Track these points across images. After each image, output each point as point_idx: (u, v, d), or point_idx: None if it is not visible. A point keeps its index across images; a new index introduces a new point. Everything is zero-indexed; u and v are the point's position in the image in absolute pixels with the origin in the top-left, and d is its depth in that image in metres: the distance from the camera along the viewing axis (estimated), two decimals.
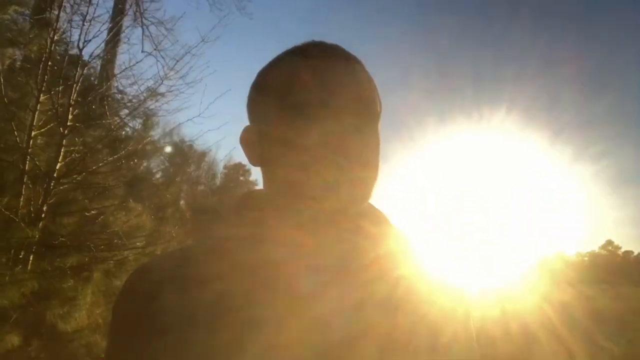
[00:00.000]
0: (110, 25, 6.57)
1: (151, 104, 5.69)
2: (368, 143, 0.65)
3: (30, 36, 5.61)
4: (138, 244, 5.53)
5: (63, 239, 4.75)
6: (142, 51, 8.88)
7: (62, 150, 4.86)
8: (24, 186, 4.74)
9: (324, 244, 0.64)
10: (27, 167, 4.79)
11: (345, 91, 0.63)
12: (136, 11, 10.55)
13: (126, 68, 5.76)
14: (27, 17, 6.40)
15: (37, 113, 4.98)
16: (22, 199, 4.70)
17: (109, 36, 6.07)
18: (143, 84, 6.00)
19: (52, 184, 4.74)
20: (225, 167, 38.64)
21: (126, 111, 6.21)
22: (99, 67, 7.45)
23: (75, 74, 5.15)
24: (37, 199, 4.74)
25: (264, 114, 0.67)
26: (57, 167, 4.81)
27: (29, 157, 4.80)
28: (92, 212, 5.15)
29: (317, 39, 0.72)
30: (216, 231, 0.71)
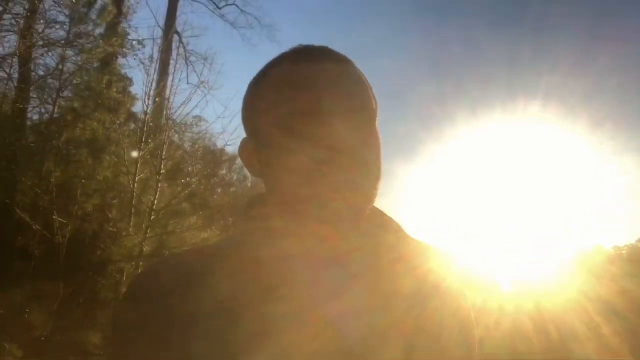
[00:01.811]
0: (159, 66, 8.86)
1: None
2: (366, 142, 0.63)
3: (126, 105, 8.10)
4: None
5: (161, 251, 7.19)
6: (188, 83, 10.70)
7: (158, 192, 7.27)
8: (132, 215, 7.18)
9: (347, 238, 0.63)
10: (133, 203, 7.22)
11: (336, 92, 0.61)
12: (179, 46, 12.26)
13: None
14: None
15: (139, 165, 7.39)
16: (131, 222, 7.14)
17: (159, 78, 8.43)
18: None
19: (152, 215, 7.18)
20: None
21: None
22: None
23: (165, 135, 7.57)
24: (142, 223, 7.18)
25: (258, 125, 0.64)
26: (155, 202, 7.23)
27: (135, 195, 7.24)
28: (177, 231, 7.58)
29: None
30: (238, 227, 0.71)
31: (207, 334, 0.57)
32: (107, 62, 9.34)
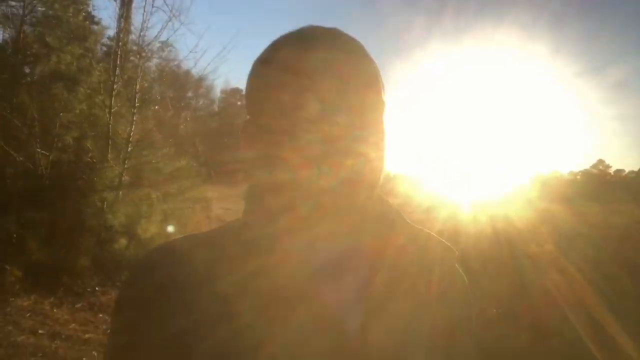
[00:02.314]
0: None
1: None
2: (366, 135, 0.62)
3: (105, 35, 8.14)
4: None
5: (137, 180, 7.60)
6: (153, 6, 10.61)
7: (133, 124, 7.56)
8: (109, 147, 7.50)
9: (337, 232, 0.64)
10: (110, 134, 7.52)
11: (337, 84, 0.61)
12: None
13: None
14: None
15: (113, 98, 7.61)
16: (109, 153, 7.47)
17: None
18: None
19: (129, 146, 7.51)
20: (222, 92, 40.66)
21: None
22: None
23: (139, 67, 7.76)
24: (119, 154, 7.53)
25: (260, 106, 0.65)
26: (132, 134, 7.54)
27: (110, 127, 7.51)
28: (153, 161, 7.97)
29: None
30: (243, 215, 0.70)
31: (204, 324, 0.57)
32: None
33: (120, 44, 7.94)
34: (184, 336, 0.58)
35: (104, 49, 10.24)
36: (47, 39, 7.61)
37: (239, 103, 38.08)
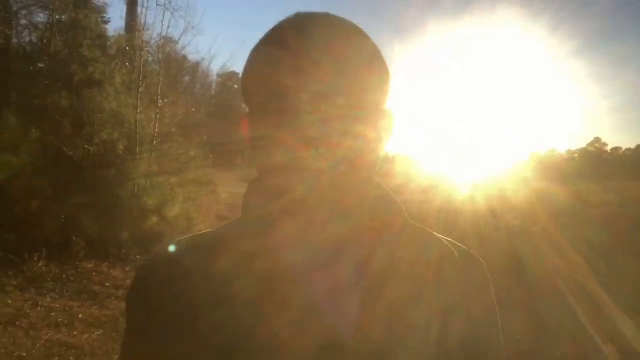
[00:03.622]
0: None
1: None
2: (346, 131, 0.61)
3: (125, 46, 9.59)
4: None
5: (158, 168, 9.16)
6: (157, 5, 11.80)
7: (157, 122, 9.06)
8: (137, 141, 9.00)
9: (322, 231, 0.63)
10: (137, 131, 9.01)
11: (328, 57, 0.60)
12: None
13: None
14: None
15: (138, 97, 9.07)
16: (137, 146, 8.98)
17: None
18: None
19: (154, 140, 9.02)
20: (219, 75, 41.57)
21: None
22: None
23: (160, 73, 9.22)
24: (145, 147, 9.04)
25: (258, 88, 0.63)
26: (156, 129, 9.04)
27: (137, 125, 9.01)
28: (172, 152, 9.51)
29: None
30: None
31: (204, 329, 0.59)
32: None
33: (142, 52, 9.37)
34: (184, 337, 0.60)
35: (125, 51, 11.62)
36: (80, 50, 9.02)
37: (235, 86, 39.04)
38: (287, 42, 0.62)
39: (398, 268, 0.64)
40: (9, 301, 4.95)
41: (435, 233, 0.73)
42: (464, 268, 0.69)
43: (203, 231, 0.73)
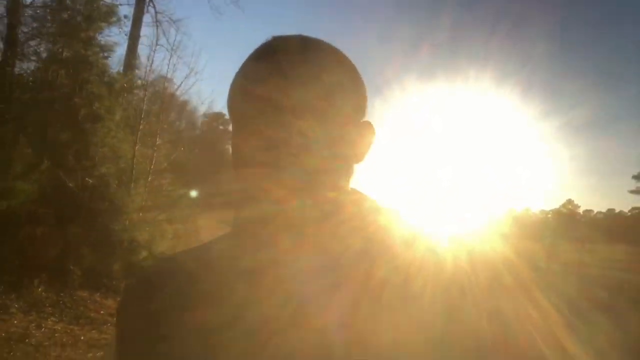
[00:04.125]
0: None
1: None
2: (346, 155, 0.65)
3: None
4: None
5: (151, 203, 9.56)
6: (158, 44, 11.70)
7: (154, 159, 9.52)
8: (132, 175, 9.43)
9: (313, 246, 0.64)
10: (134, 165, 9.45)
11: (311, 110, 0.62)
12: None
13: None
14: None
15: (139, 135, 9.55)
16: (132, 181, 9.39)
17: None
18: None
19: (149, 176, 9.46)
20: (205, 115, 42.16)
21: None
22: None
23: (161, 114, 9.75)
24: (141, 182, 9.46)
25: (244, 139, 0.65)
26: (152, 166, 9.49)
27: (134, 161, 9.45)
28: (164, 188, 9.94)
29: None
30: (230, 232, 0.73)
31: (186, 347, 0.60)
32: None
33: (146, 92, 9.94)
34: None
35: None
36: (87, 87, 9.53)
37: (220, 127, 39.66)
38: (269, 96, 0.63)
39: (384, 311, 0.63)
40: (15, 322, 5.24)
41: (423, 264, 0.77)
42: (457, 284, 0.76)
43: (188, 248, 0.78)
